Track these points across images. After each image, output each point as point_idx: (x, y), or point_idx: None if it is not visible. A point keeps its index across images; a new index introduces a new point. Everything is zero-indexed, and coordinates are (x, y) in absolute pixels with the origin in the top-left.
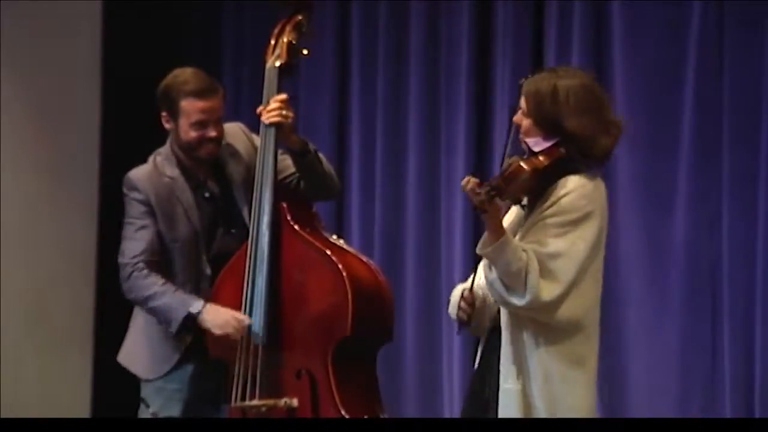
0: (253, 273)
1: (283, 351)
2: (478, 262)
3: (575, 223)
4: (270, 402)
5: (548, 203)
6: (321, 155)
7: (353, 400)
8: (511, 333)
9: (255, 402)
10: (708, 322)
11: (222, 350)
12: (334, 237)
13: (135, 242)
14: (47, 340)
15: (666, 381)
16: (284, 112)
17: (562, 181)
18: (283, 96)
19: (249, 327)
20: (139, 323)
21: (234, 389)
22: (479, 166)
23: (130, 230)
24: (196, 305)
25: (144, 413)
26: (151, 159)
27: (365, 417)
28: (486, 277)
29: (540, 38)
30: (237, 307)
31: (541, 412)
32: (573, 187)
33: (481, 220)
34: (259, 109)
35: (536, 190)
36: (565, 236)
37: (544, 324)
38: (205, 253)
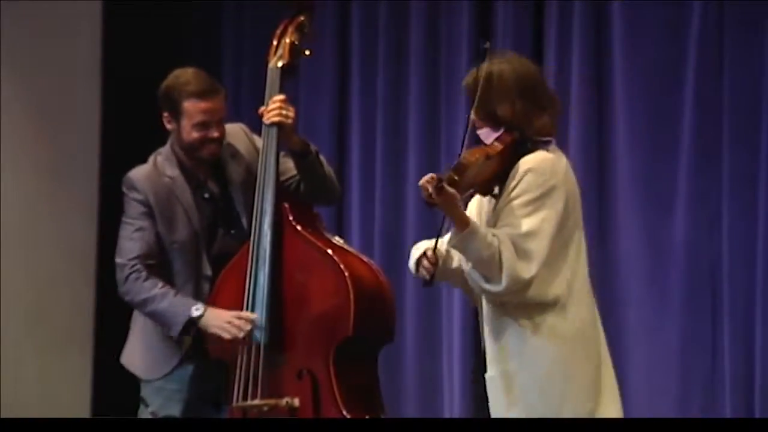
0: (255, 273)
1: (284, 351)
2: (443, 221)
3: (541, 198)
4: (271, 402)
5: (512, 185)
6: (322, 158)
7: (354, 400)
8: (493, 325)
9: (256, 402)
10: (708, 322)
11: (222, 351)
12: (336, 238)
13: (133, 243)
14: (47, 340)
15: (666, 381)
16: (284, 112)
17: (522, 161)
18: (282, 96)
19: (251, 325)
20: (139, 324)
21: (235, 389)
22: None
23: (128, 230)
24: (197, 309)
25: (143, 413)
26: (151, 159)
27: (366, 417)
28: (465, 271)
29: (540, 38)
30: (239, 306)
31: (528, 393)
32: (532, 165)
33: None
34: (261, 109)
35: (500, 176)
36: (534, 214)
37: (524, 305)
38: (205, 254)
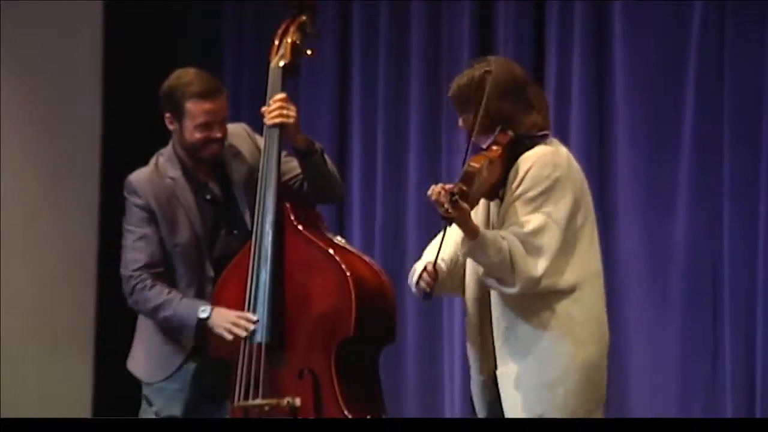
0: (256, 272)
1: (285, 350)
2: (444, 235)
3: (545, 193)
4: (272, 401)
5: (515, 184)
6: (327, 157)
7: (356, 400)
8: (507, 320)
9: (258, 401)
10: (709, 321)
11: (224, 350)
12: (338, 237)
13: (136, 253)
14: (48, 340)
15: (666, 381)
16: (285, 112)
17: (521, 158)
18: (282, 95)
19: (254, 325)
20: (142, 328)
21: (236, 388)
22: None
23: (129, 239)
24: (203, 310)
25: (146, 411)
26: (153, 160)
27: (367, 417)
28: (479, 277)
29: (541, 38)
30: (240, 306)
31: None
32: (532, 161)
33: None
34: (263, 109)
35: (503, 177)
36: (540, 209)
37: (538, 295)
38: (207, 255)
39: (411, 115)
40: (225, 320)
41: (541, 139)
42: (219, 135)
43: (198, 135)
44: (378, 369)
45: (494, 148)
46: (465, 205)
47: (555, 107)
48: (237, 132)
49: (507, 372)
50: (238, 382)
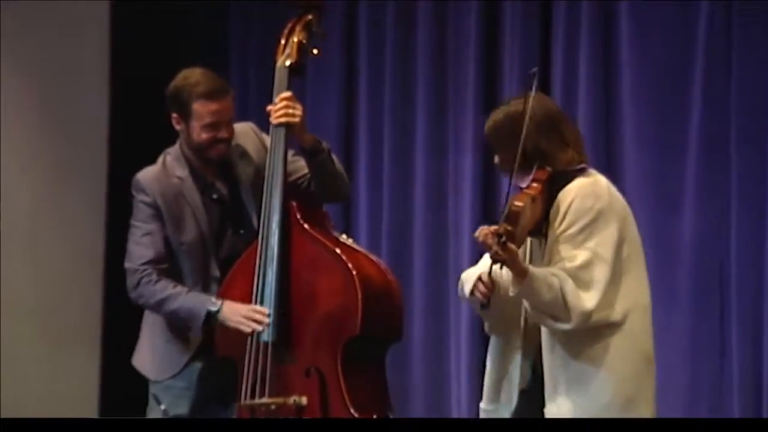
0: (263, 271)
1: (292, 349)
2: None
3: (590, 225)
4: (279, 400)
5: (558, 219)
6: (334, 156)
7: (362, 399)
8: (557, 358)
9: (264, 400)
10: (716, 320)
11: (230, 349)
12: (344, 236)
13: (142, 248)
14: (55, 339)
15: (674, 380)
16: (291, 111)
17: (561, 193)
18: (288, 94)
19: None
20: (148, 326)
21: (243, 387)
22: (487, 163)
23: (136, 234)
24: (213, 303)
25: (154, 409)
26: (160, 159)
27: (374, 416)
28: (530, 316)
29: (548, 38)
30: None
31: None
32: (573, 194)
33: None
34: (269, 107)
35: (544, 214)
36: (586, 242)
37: (586, 333)
38: (213, 255)
39: (417, 115)
40: (237, 314)
41: (579, 172)
42: (225, 135)
43: (205, 135)
44: (384, 368)
45: (534, 185)
46: (513, 246)
47: (561, 107)
48: (244, 131)
49: (557, 411)
50: (244, 380)
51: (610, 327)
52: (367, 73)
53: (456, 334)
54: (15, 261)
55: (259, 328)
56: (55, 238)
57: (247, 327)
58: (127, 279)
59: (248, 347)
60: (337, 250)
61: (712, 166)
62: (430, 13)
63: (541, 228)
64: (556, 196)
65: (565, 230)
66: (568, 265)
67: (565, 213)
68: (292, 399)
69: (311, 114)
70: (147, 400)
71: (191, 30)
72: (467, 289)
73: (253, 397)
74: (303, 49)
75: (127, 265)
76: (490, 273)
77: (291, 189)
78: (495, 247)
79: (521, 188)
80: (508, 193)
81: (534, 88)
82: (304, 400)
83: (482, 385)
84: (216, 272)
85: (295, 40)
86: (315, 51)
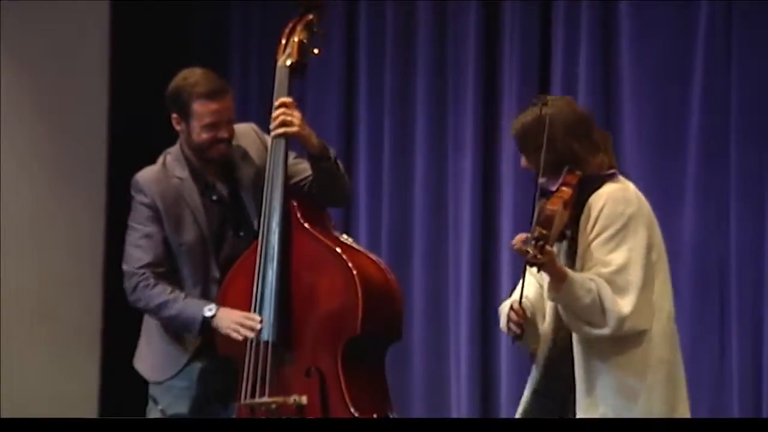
0: (263, 270)
1: (292, 348)
2: (524, 274)
3: (622, 230)
4: (279, 399)
5: (590, 224)
6: (340, 162)
7: (363, 399)
8: (591, 369)
9: (264, 399)
10: (716, 321)
11: (231, 348)
12: (344, 236)
13: (140, 251)
14: (55, 340)
15: None
16: (288, 119)
17: (592, 198)
18: (286, 99)
19: (260, 325)
20: (147, 327)
21: (243, 386)
22: (487, 164)
23: (134, 236)
24: (209, 309)
25: (153, 410)
26: (160, 159)
27: (374, 416)
28: (566, 322)
29: (547, 37)
30: (247, 304)
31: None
32: (605, 199)
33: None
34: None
35: (574, 218)
36: (620, 247)
37: (617, 341)
38: (213, 256)
39: (418, 115)
40: (230, 321)
41: (608, 178)
42: (226, 135)
43: (205, 135)
44: (385, 367)
45: (564, 189)
46: (550, 249)
47: None
48: (245, 132)
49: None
50: (244, 380)
51: (640, 334)
52: (366, 73)
53: (456, 334)
54: (15, 262)
55: (251, 335)
56: (55, 238)
57: (237, 334)
58: (124, 281)
59: (248, 346)
60: (338, 250)
61: (712, 165)
62: (430, 13)
63: (566, 232)
64: (585, 201)
65: (598, 235)
66: (603, 270)
67: (597, 218)
68: (292, 398)
69: (311, 115)
70: (147, 401)
71: (191, 30)
72: (502, 322)
73: (253, 396)
74: (304, 49)
75: (124, 267)
76: (520, 301)
77: (292, 188)
78: (533, 251)
79: (551, 191)
80: (535, 196)
81: None
82: (304, 399)
83: (482, 385)
84: (216, 273)
85: (296, 39)
86: (316, 51)
